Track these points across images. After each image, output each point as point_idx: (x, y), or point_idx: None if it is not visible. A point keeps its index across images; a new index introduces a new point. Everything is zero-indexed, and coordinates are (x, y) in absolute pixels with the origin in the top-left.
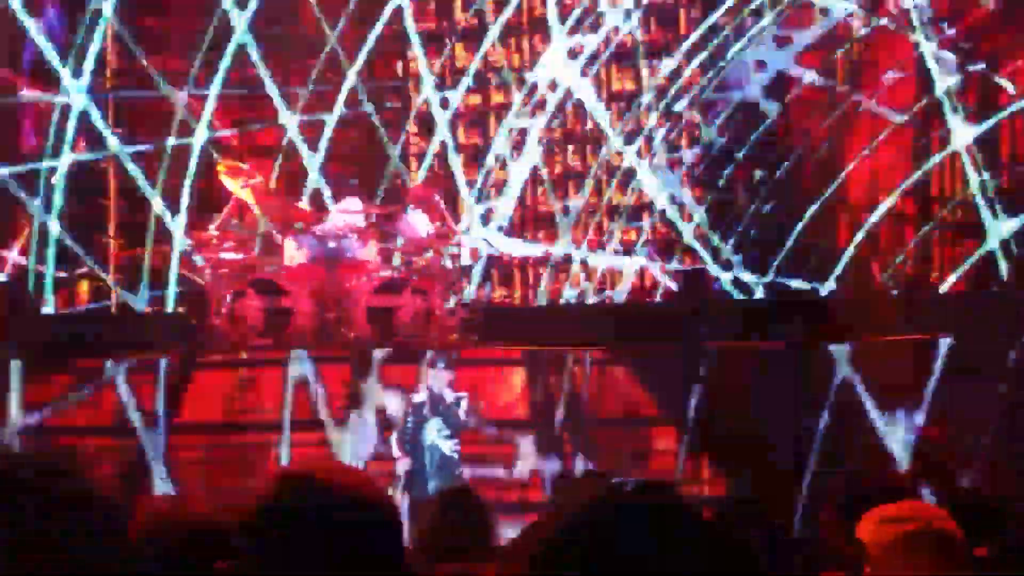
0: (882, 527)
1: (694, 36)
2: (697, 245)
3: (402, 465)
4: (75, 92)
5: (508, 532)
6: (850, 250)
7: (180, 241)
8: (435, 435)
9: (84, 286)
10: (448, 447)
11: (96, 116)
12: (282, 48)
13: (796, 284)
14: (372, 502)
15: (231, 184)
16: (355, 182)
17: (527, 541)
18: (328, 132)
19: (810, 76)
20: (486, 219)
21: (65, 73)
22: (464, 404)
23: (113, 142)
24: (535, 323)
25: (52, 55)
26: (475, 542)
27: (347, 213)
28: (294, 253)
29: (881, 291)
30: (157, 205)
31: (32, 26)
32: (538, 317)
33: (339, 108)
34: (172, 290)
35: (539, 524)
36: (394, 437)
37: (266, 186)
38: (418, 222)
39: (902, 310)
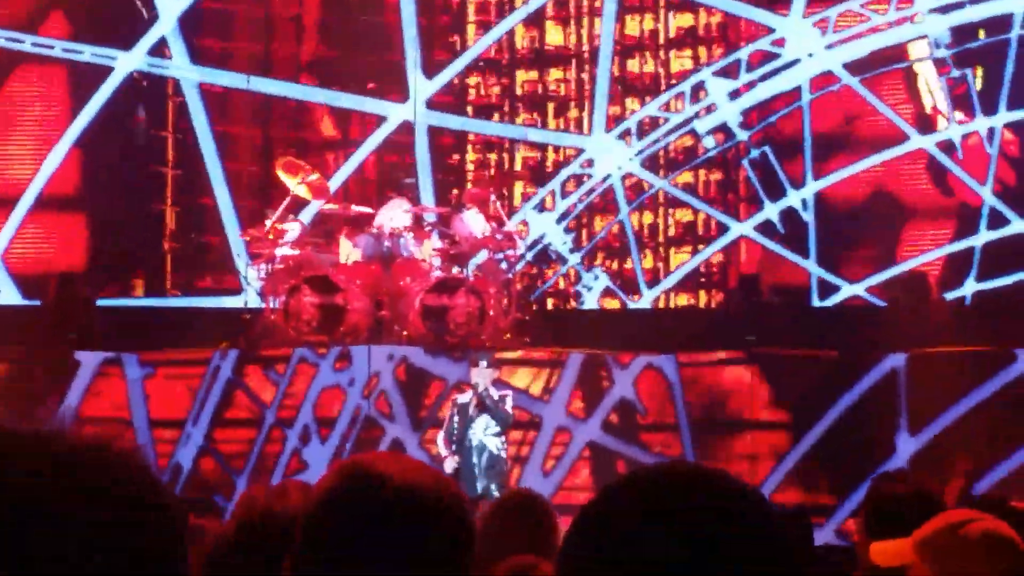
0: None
1: None
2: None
3: (449, 464)
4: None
5: None
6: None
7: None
8: (482, 433)
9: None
10: (495, 445)
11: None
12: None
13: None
14: (438, 496)
15: (289, 180)
16: (412, 180)
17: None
18: (387, 129)
19: None
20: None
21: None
22: (510, 400)
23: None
24: (588, 326)
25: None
26: (539, 545)
27: (393, 213)
28: (350, 251)
29: (938, 300)
30: (222, 198)
31: None
32: (591, 320)
33: (410, 109)
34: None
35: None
36: (440, 436)
37: (323, 183)
38: (474, 222)
39: (960, 318)
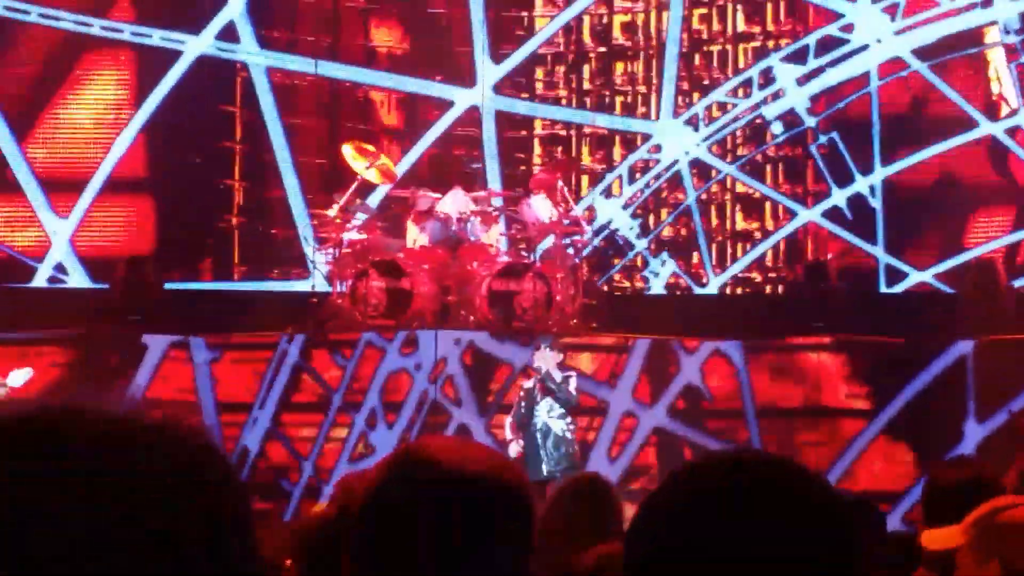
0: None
1: None
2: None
3: (514, 448)
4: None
5: None
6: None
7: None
8: (546, 416)
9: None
10: (560, 427)
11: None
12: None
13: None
14: (492, 479)
15: (356, 165)
16: (478, 166)
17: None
18: (455, 114)
19: None
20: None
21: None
22: (573, 381)
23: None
24: (655, 311)
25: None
26: (603, 529)
27: (457, 199)
28: (417, 235)
29: (1007, 287)
30: (290, 183)
31: None
32: (658, 305)
33: (478, 93)
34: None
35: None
36: (508, 420)
37: (391, 167)
38: (541, 207)
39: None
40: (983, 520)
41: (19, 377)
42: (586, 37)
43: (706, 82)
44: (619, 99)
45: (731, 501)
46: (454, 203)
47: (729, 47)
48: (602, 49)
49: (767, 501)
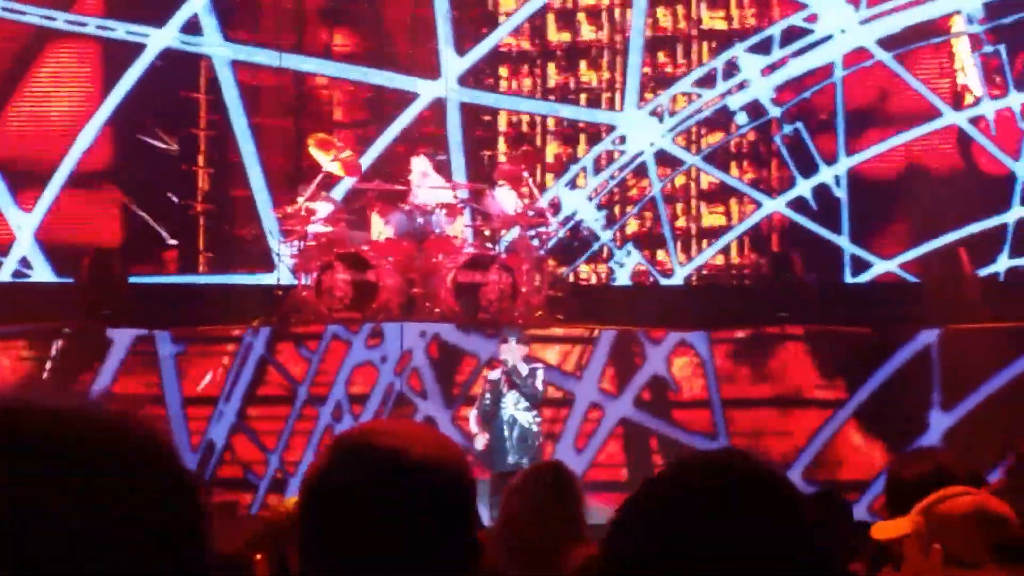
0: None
1: None
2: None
3: (480, 441)
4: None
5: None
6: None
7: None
8: (513, 408)
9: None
10: (527, 419)
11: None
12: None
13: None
14: (443, 464)
15: (321, 157)
16: (443, 158)
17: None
18: (418, 107)
19: None
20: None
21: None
22: (540, 374)
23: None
24: (621, 302)
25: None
26: (566, 517)
27: (433, 189)
28: (382, 228)
29: (971, 276)
30: (254, 177)
31: None
32: (624, 296)
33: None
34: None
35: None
36: (473, 413)
37: (356, 160)
38: (506, 199)
39: (993, 295)
40: (927, 509)
41: None
42: (551, 31)
43: (670, 72)
44: (583, 92)
45: (714, 501)
46: (418, 169)
47: (694, 38)
48: (566, 39)
49: (750, 500)
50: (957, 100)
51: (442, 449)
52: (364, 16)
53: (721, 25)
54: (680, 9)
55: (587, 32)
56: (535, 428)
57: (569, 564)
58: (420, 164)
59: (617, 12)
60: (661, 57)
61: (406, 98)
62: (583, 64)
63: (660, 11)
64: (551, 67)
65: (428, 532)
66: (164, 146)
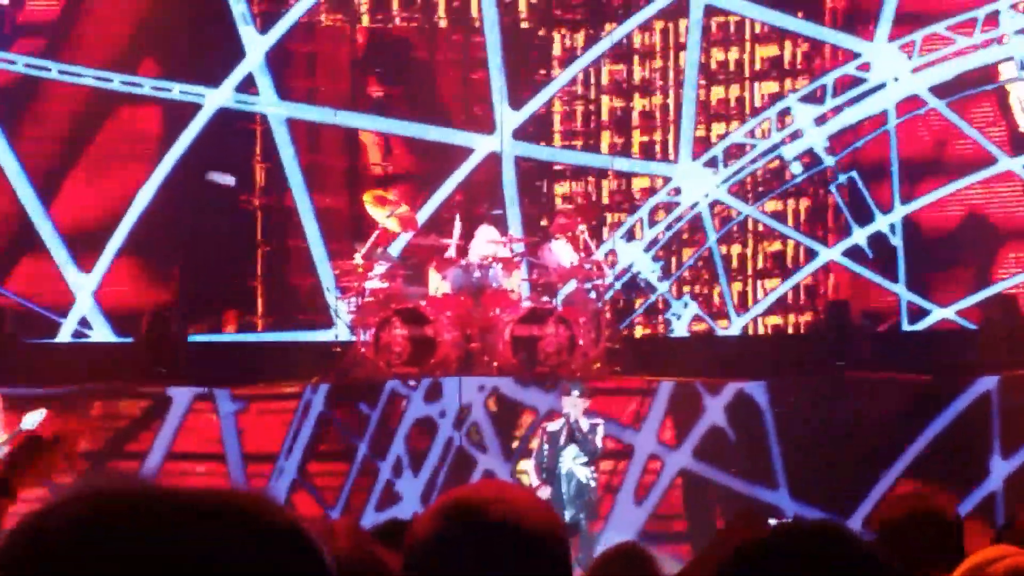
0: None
1: None
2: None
3: (542, 493)
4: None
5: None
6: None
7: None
8: (571, 462)
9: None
10: (584, 474)
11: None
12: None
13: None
14: (540, 527)
15: (377, 213)
16: (499, 212)
17: None
18: (475, 160)
19: None
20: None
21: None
22: (600, 431)
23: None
24: (678, 353)
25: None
26: None
27: (489, 243)
28: (439, 283)
29: None
30: (312, 233)
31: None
32: (680, 347)
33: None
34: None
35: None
36: (531, 464)
37: (412, 215)
38: (562, 252)
39: None
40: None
41: (33, 419)
42: (604, 82)
43: (724, 124)
44: (637, 142)
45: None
46: (484, 240)
47: (747, 95)
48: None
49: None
50: (1018, 146)
51: (549, 521)
52: (419, 75)
53: (774, 75)
54: (733, 59)
55: (639, 75)
56: (592, 483)
57: None
58: (486, 232)
59: (671, 59)
60: (714, 106)
61: (461, 152)
62: (637, 107)
63: (712, 63)
64: (604, 113)
65: None
66: (225, 182)
